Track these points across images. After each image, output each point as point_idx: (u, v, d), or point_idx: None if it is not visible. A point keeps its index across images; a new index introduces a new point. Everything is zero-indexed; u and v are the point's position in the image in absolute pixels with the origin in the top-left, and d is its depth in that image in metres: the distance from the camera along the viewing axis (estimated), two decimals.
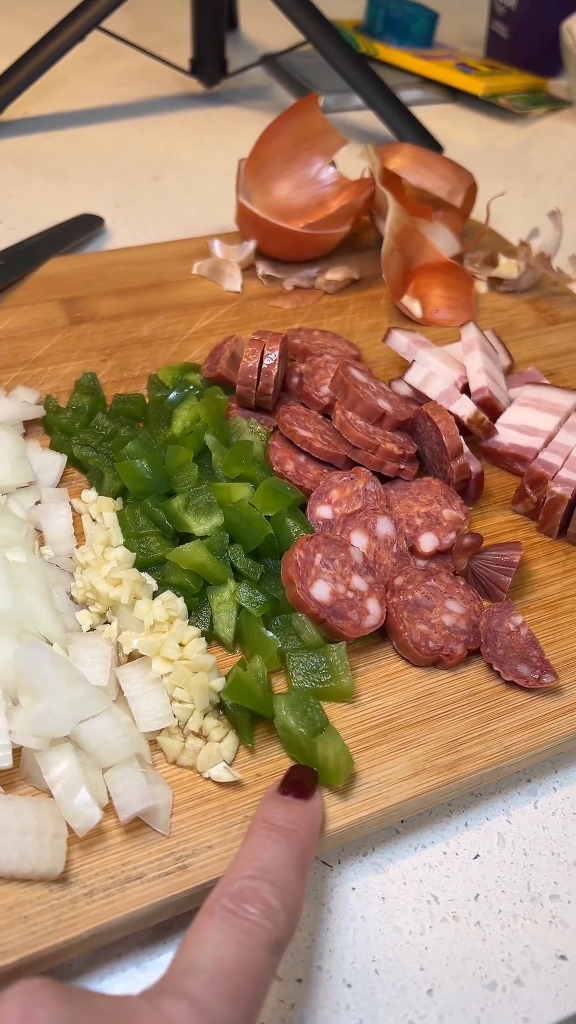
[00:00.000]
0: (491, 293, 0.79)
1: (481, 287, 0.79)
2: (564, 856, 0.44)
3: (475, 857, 0.44)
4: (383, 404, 0.58)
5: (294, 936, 0.34)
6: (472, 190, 0.81)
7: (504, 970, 0.41)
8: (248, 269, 0.78)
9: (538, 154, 1.13)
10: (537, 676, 0.47)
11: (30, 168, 1.00)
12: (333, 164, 0.81)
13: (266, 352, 0.59)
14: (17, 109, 1.10)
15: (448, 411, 0.59)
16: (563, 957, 0.41)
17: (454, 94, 1.25)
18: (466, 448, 0.57)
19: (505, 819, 0.46)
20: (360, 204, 0.77)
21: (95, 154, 1.04)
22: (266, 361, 0.59)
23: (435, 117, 1.20)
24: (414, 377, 0.62)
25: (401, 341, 0.64)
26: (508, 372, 0.69)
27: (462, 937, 0.41)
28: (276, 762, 0.44)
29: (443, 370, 0.63)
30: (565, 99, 1.26)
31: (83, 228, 0.86)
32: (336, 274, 0.76)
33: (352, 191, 0.78)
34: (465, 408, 0.59)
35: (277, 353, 0.59)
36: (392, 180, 0.79)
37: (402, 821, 0.45)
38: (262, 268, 0.77)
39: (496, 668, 0.47)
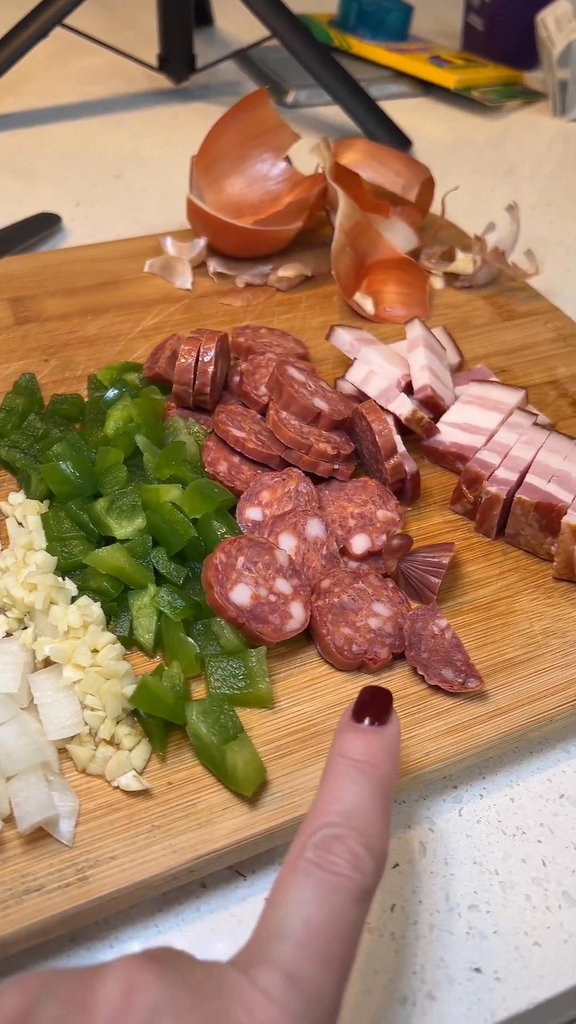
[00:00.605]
0: (447, 289, 0.78)
1: (437, 283, 0.78)
2: (485, 865, 0.43)
3: (394, 867, 0.43)
4: (319, 403, 0.57)
5: (382, 879, 0.32)
6: (428, 184, 0.79)
7: (416, 983, 0.40)
8: (200, 267, 0.77)
9: (510, 148, 1.12)
10: (461, 680, 0.46)
11: None
12: (287, 160, 0.79)
13: (203, 351, 0.58)
14: None
15: (384, 410, 0.58)
16: (477, 970, 0.40)
17: (427, 88, 1.23)
18: (401, 448, 0.56)
19: (428, 827, 0.45)
20: (312, 200, 0.76)
21: (59, 152, 1.03)
22: (203, 359, 0.58)
23: (407, 111, 1.18)
24: (355, 375, 0.61)
25: (344, 339, 0.63)
26: (458, 369, 0.68)
27: (375, 949, 0.40)
28: (188, 769, 0.43)
29: (386, 368, 0.62)
30: (540, 92, 1.25)
31: (39, 227, 0.85)
32: (288, 271, 0.75)
33: (305, 187, 0.77)
34: (403, 407, 0.58)
35: (214, 352, 0.58)
36: (348, 175, 0.78)
37: None
38: (213, 265, 0.76)
39: (420, 672, 0.46)
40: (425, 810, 0.46)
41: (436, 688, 0.47)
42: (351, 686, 0.47)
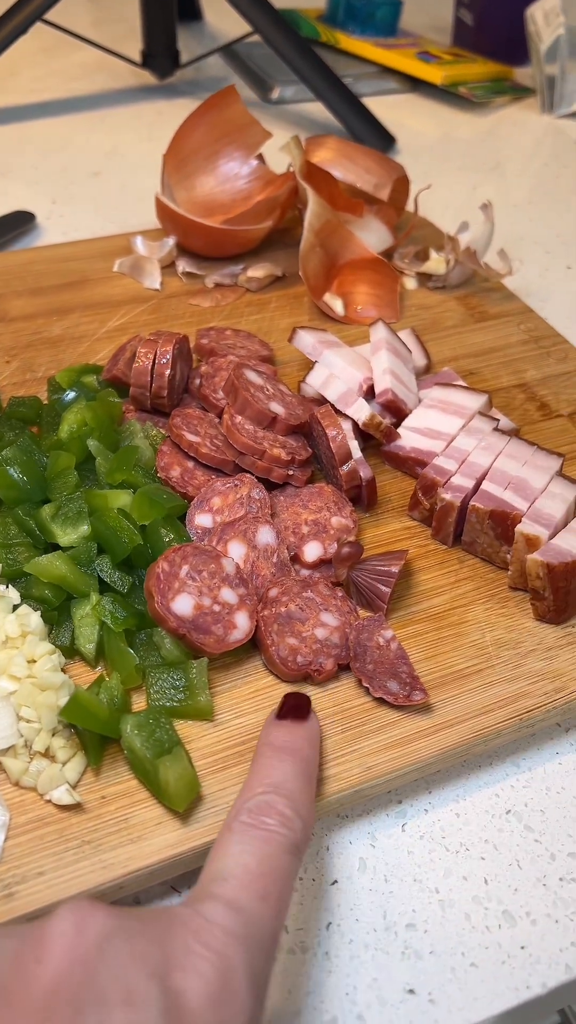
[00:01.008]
0: (420, 289, 0.77)
1: (410, 283, 0.77)
2: (426, 883, 0.43)
3: (332, 883, 0.43)
4: (275, 408, 0.56)
5: (310, 840, 0.37)
6: (402, 183, 0.78)
7: (347, 1005, 0.39)
8: (170, 267, 0.76)
9: (496, 145, 1.10)
10: (406, 693, 0.45)
11: None
12: (260, 158, 0.78)
13: (160, 353, 0.58)
14: None
15: (339, 415, 0.57)
16: (411, 991, 0.39)
17: (415, 84, 1.22)
18: (357, 454, 0.55)
19: (370, 843, 0.44)
20: (282, 199, 0.75)
21: (38, 149, 1.02)
22: (159, 362, 0.57)
23: (393, 107, 1.17)
24: (315, 379, 0.60)
25: (307, 341, 0.62)
26: (425, 372, 0.67)
27: (307, 969, 0.40)
28: (123, 783, 0.42)
29: (348, 372, 0.61)
30: (530, 88, 1.23)
31: (12, 225, 0.85)
32: (258, 271, 0.74)
33: (276, 186, 0.76)
34: (361, 412, 0.57)
35: (171, 354, 0.57)
36: (323, 174, 0.77)
37: None
38: (182, 265, 0.75)
39: (365, 684, 0.46)
40: (367, 825, 0.45)
41: (381, 700, 0.46)
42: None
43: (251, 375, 0.57)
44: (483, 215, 0.76)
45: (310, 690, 0.46)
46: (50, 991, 0.28)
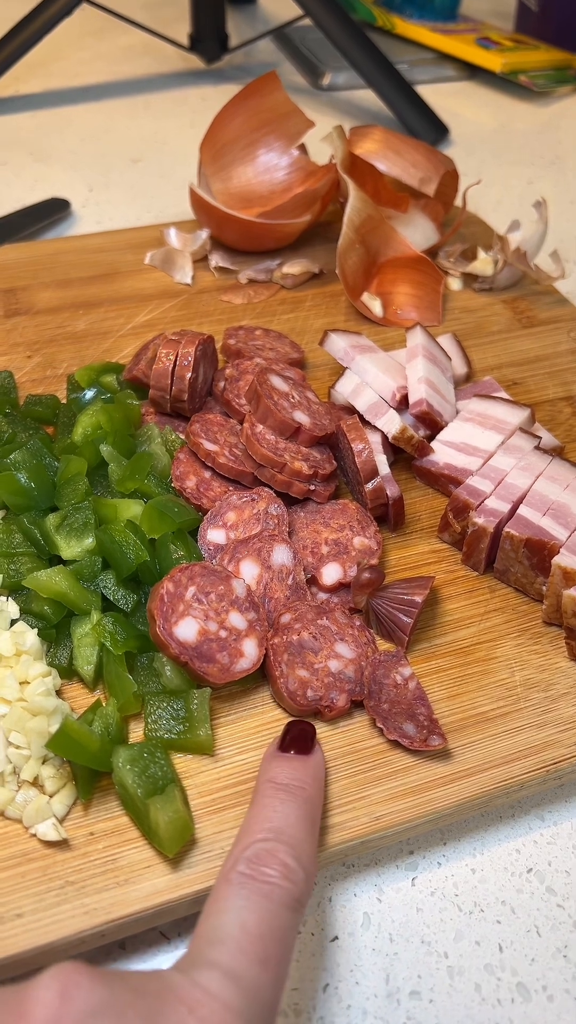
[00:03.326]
0: (466, 291, 0.72)
1: (455, 284, 0.73)
2: (434, 945, 0.39)
3: (333, 940, 0.39)
4: (300, 417, 0.52)
5: (312, 891, 0.35)
6: (450, 177, 0.74)
7: None
8: (202, 260, 0.73)
9: (556, 137, 1.05)
10: (423, 737, 0.42)
11: (10, 149, 0.96)
12: (302, 148, 0.75)
13: (182, 354, 0.55)
14: (7, 87, 1.07)
15: (367, 427, 0.53)
16: None
17: (473, 71, 1.17)
18: (385, 470, 0.52)
19: (376, 896, 0.41)
20: (323, 192, 0.71)
21: (79, 135, 1.00)
22: (181, 364, 0.54)
23: (449, 95, 1.12)
24: (344, 386, 0.56)
25: (338, 345, 0.59)
26: (466, 381, 0.63)
27: None
28: (114, 820, 0.39)
29: (380, 379, 0.57)
30: None
31: (46, 213, 0.82)
32: (294, 267, 0.71)
33: (317, 178, 0.72)
34: (391, 424, 0.53)
35: (193, 356, 0.54)
36: (364, 166, 0.73)
37: None
38: (215, 259, 0.72)
39: (380, 725, 0.42)
40: (375, 876, 0.41)
41: (396, 743, 0.42)
42: None
43: (276, 381, 0.54)
44: (536, 213, 0.71)
45: (320, 727, 0.43)
46: None
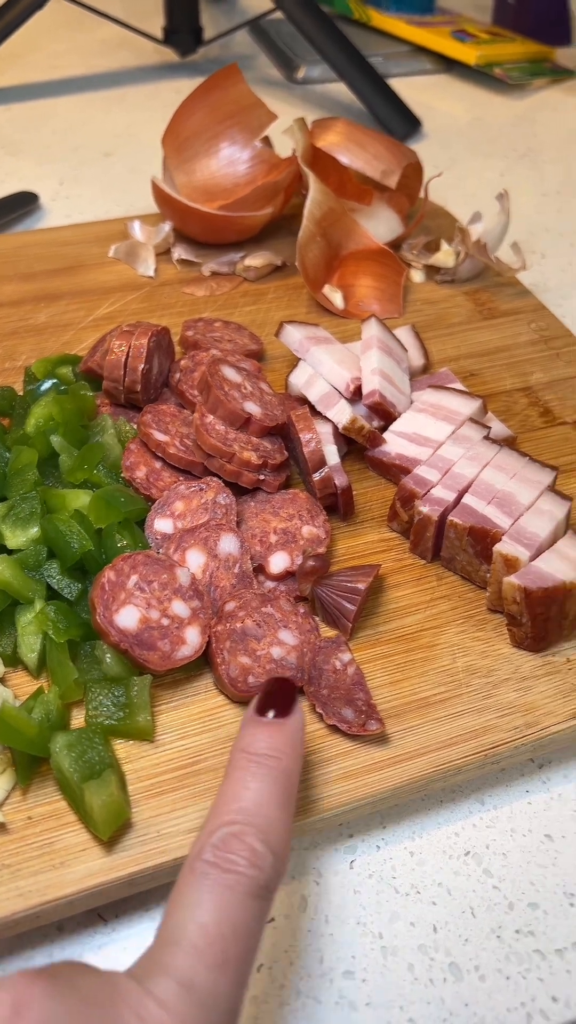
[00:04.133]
0: (428, 283, 0.73)
1: (417, 276, 0.73)
2: (369, 926, 0.40)
3: (270, 921, 0.40)
4: (251, 408, 0.53)
5: (284, 875, 0.32)
6: (413, 169, 0.74)
7: None
8: (166, 253, 0.74)
9: (529, 130, 1.05)
10: (361, 722, 0.42)
11: None
12: (266, 141, 0.75)
13: (134, 346, 0.55)
14: None
15: (319, 418, 0.54)
16: None
17: (449, 64, 1.17)
18: (334, 459, 0.52)
19: (314, 879, 0.41)
20: (284, 184, 0.71)
21: (52, 128, 1.00)
22: (133, 355, 0.55)
23: (425, 88, 1.12)
24: (298, 378, 0.57)
25: (294, 337, 0.59)
26: (423, 372, 0.64)
27: None
28: (52, 804, 0.40)
29: (335, 371, 0.58)
30: (572, 69, 1.17)
31: (14, 207, 0.82)
32: (256, 260, 0.71)
33: (280, 171, 0.73)
34: (341, 415, 0.53)
35: (146, 347, 0.55)
36: (328, 159, 0.73)
37: None
38: (178, 252, 0.72)
39: (319, 710, 0.43)
40: (314, 860, 0.42)
41: (335, 728, 0.43)
42: None
43: (228, 372, 0.54)
44: (499, 205, 0.71)
45: None
46: None
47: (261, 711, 0.36)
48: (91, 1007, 0.27)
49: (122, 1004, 0.28)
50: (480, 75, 1.15)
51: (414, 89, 1.12)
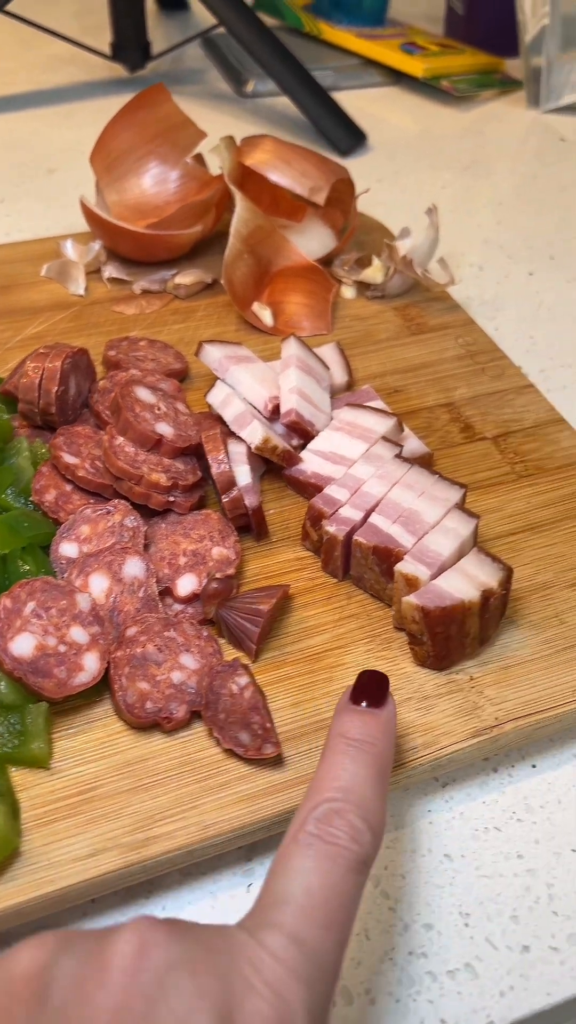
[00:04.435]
0: (359, 299, 0.73)
1: (348, 292, 0.73)
2: None
3: None
4: (163, 429, 0.53)
5: (379, 851, 0.35)
6: (344, 185, 0.74)
7: None
8: (97, 271, 0.74)
9: (475, 141, 1.06)
10: (257, 746, 0.42)
11: None
12: (199, 159, 0.75)
13: (48, 368, 0.55)
14: None
15: (231, 438, 0.54)
16: None
17: (398, 76, 1.17)
18: (245, 480, 0.52)
19: (210, 904, 0.41)
20: (214, 201, 0.72)
21: None
22: (47, 377, 0.55)
23: (374, 100, 1.13)
24: (214, 397, 0.57)
25: (213, 356, 0.59)
26: (347, 389, 0.64)
27: None
28: None
29: (254, 390, 0.58)
30: (518, 80, 1.18)
31: None
32: (186, 277, 0.71)
33: (210, 188, 0.73)
34: (254, 435, 0.54)
35: (60, 369, 0.55)
36: (259, 176, 0.73)
37: (92, 900, 0.41)
38: (108, 271, 0.72)
39: (216, 735, 0.43)
40: (211, 884, 0.42)
41: (232, 752, 0.43)
42: (146, 746, 0.43)
43: (141, 392, 0.54)
44: (428, 220, 0.72)
45: (157, 740, 0.44)
46: (111, 1020, 0.27)
47: (355, 700, 0.38)
48: (209, 953, 0.29)
49: (238, 952, 0.30)
50: (429, 87, 1.16)
51: (364, 101, 1.12)
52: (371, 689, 0.39)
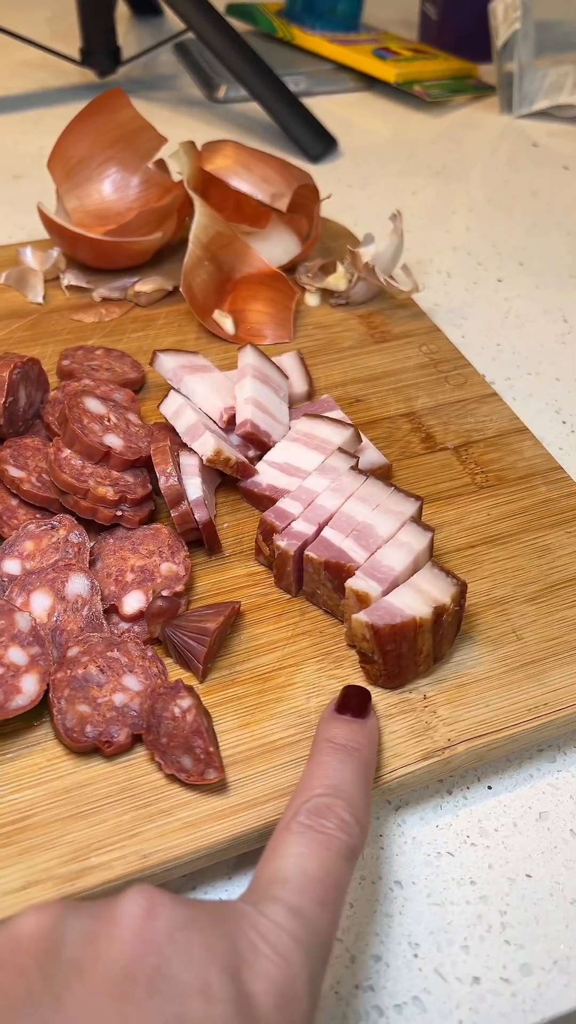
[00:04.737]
0: (323, 306, 0.72)
1: (312, 300, 0.72)
2: None
3: None
4: (112, 441, 0.52)
5: (365, 845, 0.38)
6: (309, 190, 0.73)
7: None
8: (57, 279, 0.72)
9: (446, 147, 1.05)
10: (200, 771, 0.41)
11: None
12: (161, 164, 0.74)
13: None
14: None
15: (184, 450, 0.52)
16: None
17: (371, 82, 1.17)
18: (196, 493, 0.51)
19: None
20: (175, 207, 0.70)
21: None
22: None
23: (346, 106, 1.12)
24: (167, 408, 0.55)
25: (167, 365, 0.58)
26: (307, 399, 0.62)
27: None
28: None
29: (209, 400, 0.57)
30: (492, 85, 1.17)
31: None
32: (146, 285, 0.70)
33: (171, 194, 0.71)
34: (206, 447, 0.52)
35: (8, 379, 0.53)
36: (220, 183, 0.72)
37: None
38: (68, 278, 0.71)
39: (158, 759, 0.41)
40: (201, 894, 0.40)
41: (174, 778, 0.41)
42: (86, 771, 0.42)
43: (90, 403, 0.53)
44: (392, 226, 0.70)
45: (97, 765, 0.42)
46: (125, 970, 0.28)
47: (340, 711, 0.41)
48: (215, 919, 0.31)
49: (244, 919, 0.31)
50: (402, 93, 1.15)
51: (336, 106, 1.11)
52: (355, 702, 0.41)
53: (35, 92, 1.12)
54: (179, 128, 1.05)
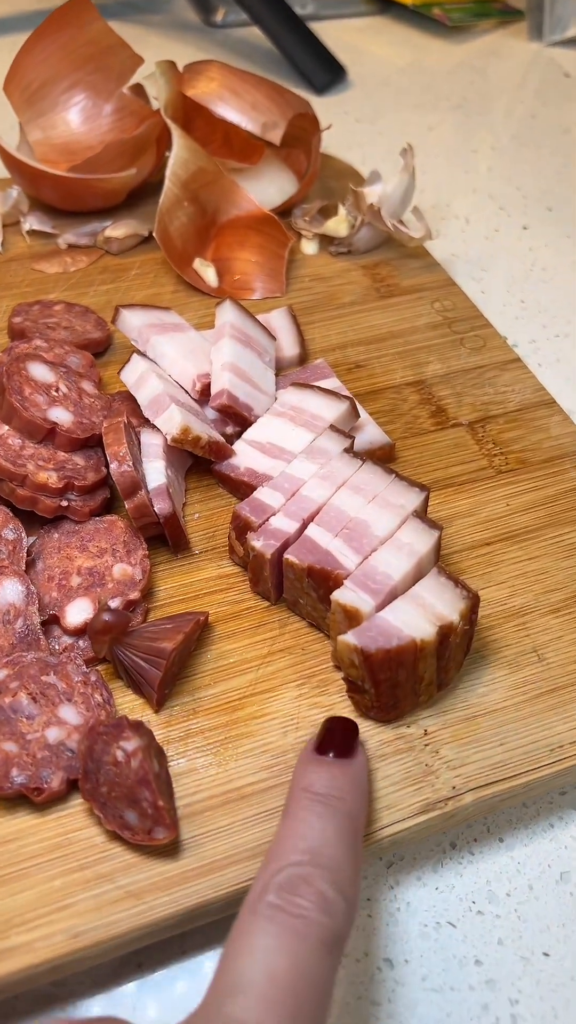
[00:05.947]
0: (322, 255, 0.63)
1: (309, 247, 0.63)
2: None
3: None
4: (58, 416, 0.43)
5: (353, 924, 0.29)
6: (305, 121, 0.64)
7: None
8: (17, 224, 0.63)
9: (468, 77, 0.94)
10: (147, 828, 0.33)
11: None
12: (137, 89, 0.64)
13: None
14: None
15: (136, 428, 0.44)
16: None
17: (386, 4, 1.05)
18: (159, 480, 0.43)
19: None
20: (151, 139, 0.61)
21: None
22: None
23: (357, 31, 1.01)
24: (128, 375, 0.47)
25: (131, 324, 0.49)
26: (298, 364, 0.54)
27: None
28: None
29: (179, 365, 0.48)
30: (520, 10, 1.05)
31: None
32: (118, 230, 0.61)
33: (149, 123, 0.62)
34: (171, 423, 0.44)
35: None
36: (204, 110, 0.63)
37: None
38: (30, 222, 0.62)
39: (97, 812, 0.34)
40: (102, 999, 0.33)
41: (117, 835, 0.34)
42: (13, 823, 0.34)
43: (36, 370, 0.45)
44: (403, 162, 0.61)
45: (24, 816, 0.35)
46: None
47: (322, 751, 0.33)
48: None
49: None
50: (420, 16, 1.03)
51: (346, 32, 1.00)
52: (338, 738, 0.34)
53: (10, 16, 1.01)
54: (171, 55, 0.93)
